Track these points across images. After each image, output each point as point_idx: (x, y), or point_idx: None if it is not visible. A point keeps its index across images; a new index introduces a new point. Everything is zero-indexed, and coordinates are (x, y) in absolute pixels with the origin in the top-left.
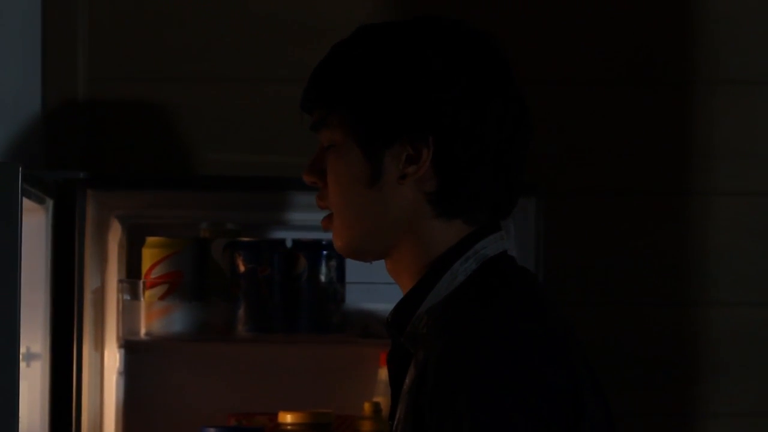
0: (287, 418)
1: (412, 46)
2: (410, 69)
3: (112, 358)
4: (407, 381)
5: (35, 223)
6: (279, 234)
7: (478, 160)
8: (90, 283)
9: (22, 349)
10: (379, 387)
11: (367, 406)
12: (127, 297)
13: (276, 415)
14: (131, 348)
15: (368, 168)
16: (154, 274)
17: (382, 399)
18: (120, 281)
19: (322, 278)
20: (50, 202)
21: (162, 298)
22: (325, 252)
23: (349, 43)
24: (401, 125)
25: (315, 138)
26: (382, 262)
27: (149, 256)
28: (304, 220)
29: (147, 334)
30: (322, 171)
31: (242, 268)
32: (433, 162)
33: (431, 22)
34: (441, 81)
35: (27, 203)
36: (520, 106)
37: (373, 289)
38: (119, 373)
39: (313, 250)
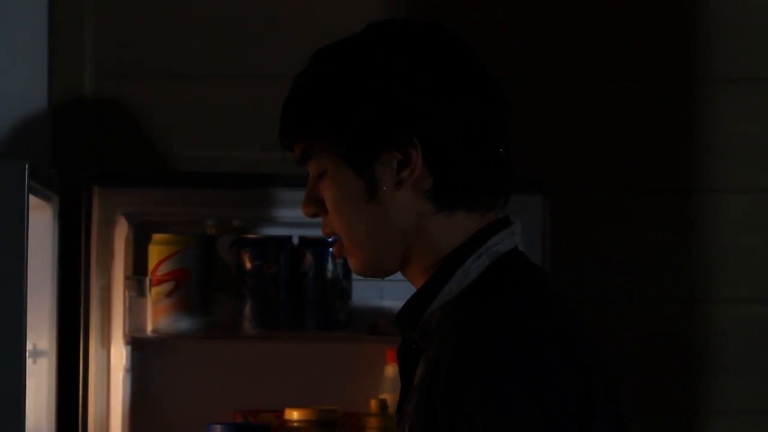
0: (294, 414)
1: (371, 55)
2: (376, 77)
3: (119, 355)
4: (417, 376)
5: (41, 220)
6: (285, 231)
7: (467, 146)
8: (96, 280)
9: (29, 346)
10: (385, 384)
11: (373, 403)
12: (133, 294)
13: (282, 412)
14: (138, 345)
15: (363, 184)
16: (161, 271)
17: (389, 396)
18: (126, 278)
19: (329, 275)
20: (56, 199)
21: (168, 295)
22: (331, 249)
23: (311, 71)
24: (383, 133)
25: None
26: None
27: (156, 253)
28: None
29: (153, 331)
30: (320, 200)
31: (249, 265)
32: (424, 160)
33: (381, 27)
34: (408, 80)
35: (33, 200)
36: (494, 85)
37: (380, 286)
38: (125, 370)
39: (319, 246)
